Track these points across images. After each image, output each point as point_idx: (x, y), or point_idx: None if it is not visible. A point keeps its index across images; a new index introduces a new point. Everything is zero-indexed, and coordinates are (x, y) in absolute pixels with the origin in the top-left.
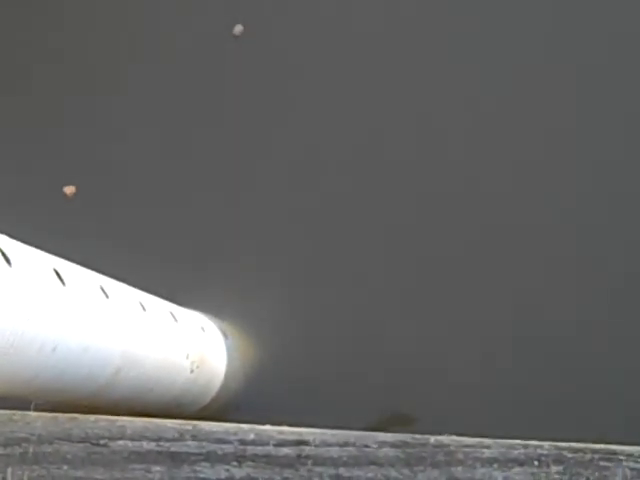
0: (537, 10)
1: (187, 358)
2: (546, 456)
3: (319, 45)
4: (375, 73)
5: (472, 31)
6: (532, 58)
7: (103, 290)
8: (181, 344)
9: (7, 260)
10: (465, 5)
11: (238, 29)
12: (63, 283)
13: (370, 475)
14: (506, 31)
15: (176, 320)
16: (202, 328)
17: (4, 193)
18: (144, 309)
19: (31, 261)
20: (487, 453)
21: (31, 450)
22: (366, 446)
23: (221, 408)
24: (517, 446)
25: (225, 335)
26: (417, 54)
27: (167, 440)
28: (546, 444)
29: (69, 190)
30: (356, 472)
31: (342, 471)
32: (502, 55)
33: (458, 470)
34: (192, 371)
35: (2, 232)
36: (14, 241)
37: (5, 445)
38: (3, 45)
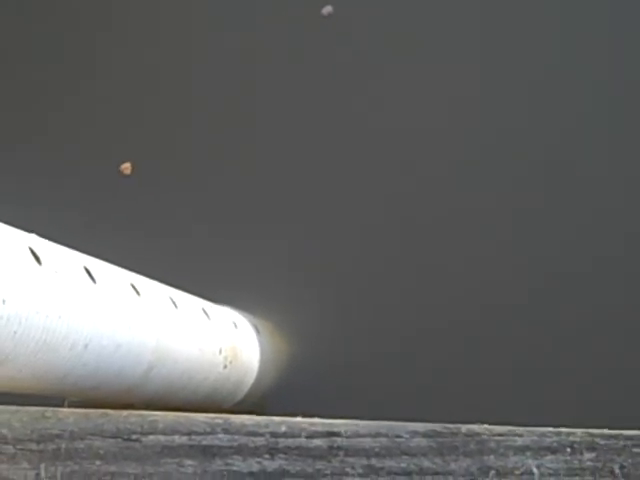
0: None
1: (220, 354)
2: (579, 443)
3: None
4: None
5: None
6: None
7: (134, 287)
8: (214, 340)
9: (37, 259)
10: None
11: (327, 10)
12: (94, 281)
13: (402, 465)
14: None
15: (208, 316)
16: (234, 324)
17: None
18: (176, 306)
19: (61, 259)
20: (519, 441)
21: (64, 446)
22: (398, 436)
23: (255, 403)
24: (549, 434)
25: (257, 330)
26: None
27: (199, 434)
28: (578, 431)
29: (125, 168)
30: (388, 462)
31: (374, 462)
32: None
33: (490, 459)
34: (225, 367)
35: (33, 231)
36: (44, 240)
37: (38, 441)
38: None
